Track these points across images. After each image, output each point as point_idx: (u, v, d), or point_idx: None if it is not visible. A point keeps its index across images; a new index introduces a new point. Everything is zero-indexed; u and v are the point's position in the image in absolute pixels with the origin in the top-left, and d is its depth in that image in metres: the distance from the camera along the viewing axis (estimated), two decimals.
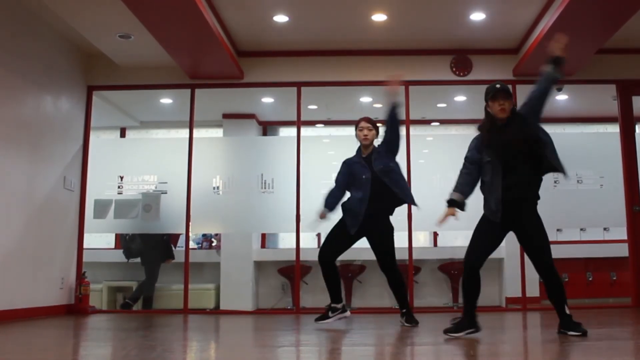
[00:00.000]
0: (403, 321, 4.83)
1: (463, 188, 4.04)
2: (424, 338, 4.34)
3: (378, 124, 5.02)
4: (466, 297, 3.98)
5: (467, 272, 3.94)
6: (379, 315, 6.33)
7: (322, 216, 5.03)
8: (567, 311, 3.89)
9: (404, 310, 4.86)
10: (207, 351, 3.85)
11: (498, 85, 3.99)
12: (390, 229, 4.88)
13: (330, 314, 4.89)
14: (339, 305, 4.92)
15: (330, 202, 5.01)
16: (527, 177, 3.93)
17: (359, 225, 4.77)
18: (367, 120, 5.00)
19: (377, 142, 5.00)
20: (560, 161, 3.93)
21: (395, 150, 4.93)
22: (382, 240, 4.84)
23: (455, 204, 4.01)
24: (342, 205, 4.97)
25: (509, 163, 3.91)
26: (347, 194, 5.01)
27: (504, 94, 3.97)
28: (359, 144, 5.01)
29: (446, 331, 3.93)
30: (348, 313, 5.00)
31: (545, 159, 3.89)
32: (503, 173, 3.90)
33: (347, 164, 5.03)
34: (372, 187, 4.78)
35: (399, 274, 4.86)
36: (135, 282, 7.58)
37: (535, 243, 3.91)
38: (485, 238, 3.97)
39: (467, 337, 3.85)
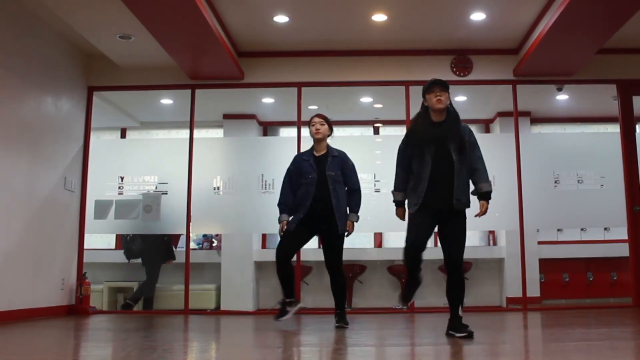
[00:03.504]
0: (336, 322, 4.83)
1: (404, 186, 4.14)
2: (424, 338, 4.35)
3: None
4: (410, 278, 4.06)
5: (411, 257, 3.99)
6: (379, 315, 6.34)
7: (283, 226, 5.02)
8: (460, 313, 3.91)
9: (339, 311, 4.87)
10: (208, 352, 3.85)
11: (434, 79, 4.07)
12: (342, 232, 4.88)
13: (288, 308, 4.93)
14: (293, 299, 4.97)
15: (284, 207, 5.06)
16: (453, 174, 3.96)
17: (300, 222, 4.85)
18: (319, 116, 5.05)
19: (331, 142, 5.07)
20: (484, 171, 4.01)
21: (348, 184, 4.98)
22: (335, 241, 4.90)
23: (402, 204, 4.16)
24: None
25: (438, 158, 3.96)
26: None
27: (440, 86, 4.05)
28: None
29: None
30: (301, 304, 5.11)
31: (466, 160, 3.97)
32: (432, 167, 3.95)
33: (296, 161, 5.08)
34: (316, 188, 4.84)
35: (344, 276, 4.95)
36: (136, 282, 7.59)
37: (455, 239, 3.94)
38: (423, 226, 4.00)
39: (463, 338, 3.84)
